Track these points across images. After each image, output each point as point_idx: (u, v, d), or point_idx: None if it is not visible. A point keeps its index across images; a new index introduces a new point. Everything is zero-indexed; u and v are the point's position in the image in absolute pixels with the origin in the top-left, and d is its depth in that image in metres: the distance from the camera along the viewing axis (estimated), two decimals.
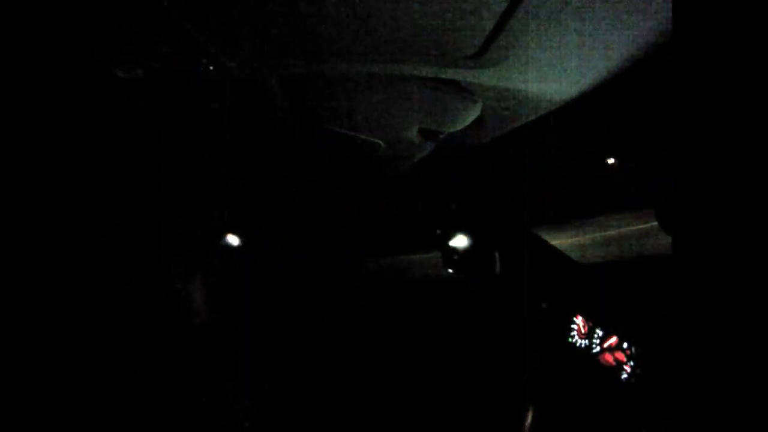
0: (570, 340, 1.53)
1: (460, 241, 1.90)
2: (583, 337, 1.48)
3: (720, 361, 0.51)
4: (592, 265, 1.73)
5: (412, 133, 1.21)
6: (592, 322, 1.46)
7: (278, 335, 2.37)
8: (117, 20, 0.65)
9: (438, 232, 1.98)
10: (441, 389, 1.91)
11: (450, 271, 1.94)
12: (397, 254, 2.52)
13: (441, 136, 1.25)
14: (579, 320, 1.51)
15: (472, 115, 1.07)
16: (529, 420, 1.55)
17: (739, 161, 0.48)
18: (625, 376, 1.29)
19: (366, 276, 2.55)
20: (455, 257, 1.91)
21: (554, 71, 0.84)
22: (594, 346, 1.43)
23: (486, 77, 0.84)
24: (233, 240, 2.40)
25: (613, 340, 1.37)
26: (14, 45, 0.68)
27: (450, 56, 0.74)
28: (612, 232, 2.34)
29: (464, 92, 0.96)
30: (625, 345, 1.32)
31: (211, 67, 0.78)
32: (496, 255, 1.82)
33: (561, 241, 2.10)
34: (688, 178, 0.53)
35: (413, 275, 2.44)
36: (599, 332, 1.42)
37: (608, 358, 1.36)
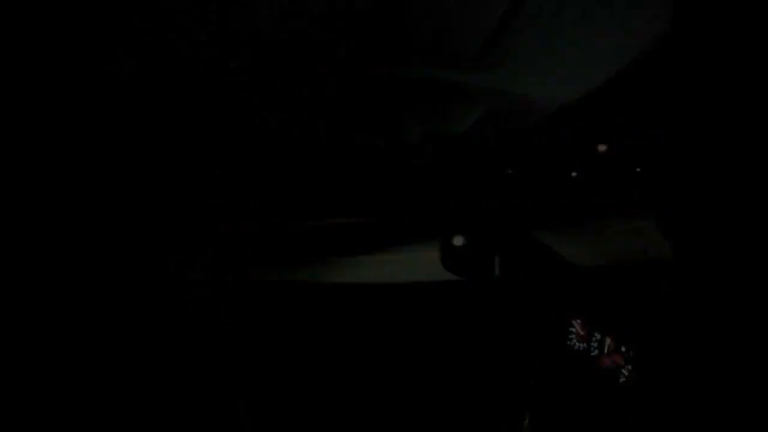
0: (568, 343, 1.53)
1: (458, 243, 1.90)
2: (582, 340, 1.48)
3: (719, 364, 0.50)
4: (590, 267, 1.73)
5: (412, 133, 1.21)
6: (591, 326, 1.46)
7: (279, 335, 2.36)
8: (116, 19, 0.65)
9: (438, 233, 1.98)
10: (439, 391, 1.91)
11: (448, 272, 1.94)
12: (395, 254, 2.52)
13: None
14: (577, 323, 1.51)
15: (472, 116, 1.07)
16: (526, 423, 1.55)
17: (740, 164, 0.48)
18: (623, 379, 1.29)
19: (364, 276, 2.54)
20: (454, 259, 1.90)
21: (555, 73, 0.84)
22: (592, 349, 1.43)
23: (486, 79, 0.84)
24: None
25: (612, 343, 1.37)
26: (13, 44, 0.68)
27: (450, 57, 0.74)
28: (611, 235, 2.33)
29: (464, 93, 0.96)
30: (623, 348, 1.32)
31: (212, 67, 0.78)
32: (495, 257, 1.82)
33: (560, 243, 2.10)
34: (689, 181, 0.53)
35: (411, 276, 2.43)
36: (597, 335, 1.42)
37: (606, 361, 1.36)
